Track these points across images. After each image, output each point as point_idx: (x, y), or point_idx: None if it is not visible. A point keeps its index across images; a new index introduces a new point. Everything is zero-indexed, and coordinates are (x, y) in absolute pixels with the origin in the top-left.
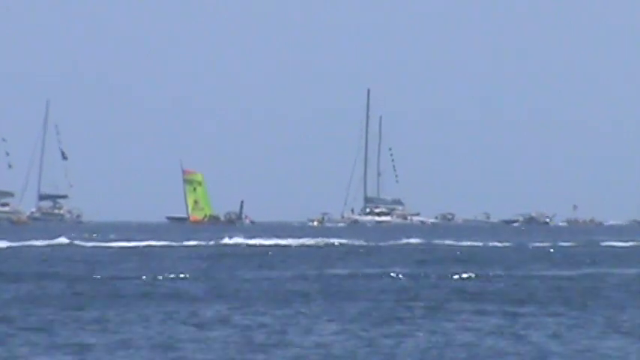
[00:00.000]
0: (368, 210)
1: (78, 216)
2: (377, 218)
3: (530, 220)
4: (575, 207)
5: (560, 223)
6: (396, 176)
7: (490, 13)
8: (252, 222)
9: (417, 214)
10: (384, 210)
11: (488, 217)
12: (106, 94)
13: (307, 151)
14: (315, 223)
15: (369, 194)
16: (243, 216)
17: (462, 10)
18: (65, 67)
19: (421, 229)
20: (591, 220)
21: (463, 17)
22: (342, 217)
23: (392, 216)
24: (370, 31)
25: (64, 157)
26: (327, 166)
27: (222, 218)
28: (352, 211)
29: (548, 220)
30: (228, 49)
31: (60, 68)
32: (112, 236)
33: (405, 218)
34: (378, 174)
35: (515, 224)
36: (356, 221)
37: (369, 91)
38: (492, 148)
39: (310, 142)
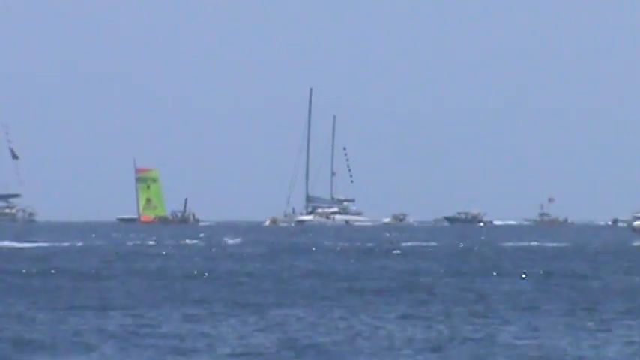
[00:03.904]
0: (310, 209)
1: (31, 214)
2: (297, 218)
3: (473, 219)
4: (541, 207)
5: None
6: (351, 176)
7: (449, 12)
8: (196, 221)
9: (359, 214)
10: (327, 210)
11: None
12: (59, 91)
13: (263, 149)
14: (268, 223)
15: (312, 193)
16: (188, 214)
17: (417, 11)
18: (13, 65)
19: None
20: (557, 219)
21: (419, 18)
22: (285, 216)
23: (314, 216)
24: (322, 32)
25: (15, 157)
26: (281, 165)
27: (169, 217)
28: (293, 210)
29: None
30: (180, 48)
31: (8, 67)
32: None
33: (328, 217)
34: (332, 174)
35: (482, 224)
36: (301, 222)
37: (311, 90)
38: (462, 148)
39: (265, 140)
